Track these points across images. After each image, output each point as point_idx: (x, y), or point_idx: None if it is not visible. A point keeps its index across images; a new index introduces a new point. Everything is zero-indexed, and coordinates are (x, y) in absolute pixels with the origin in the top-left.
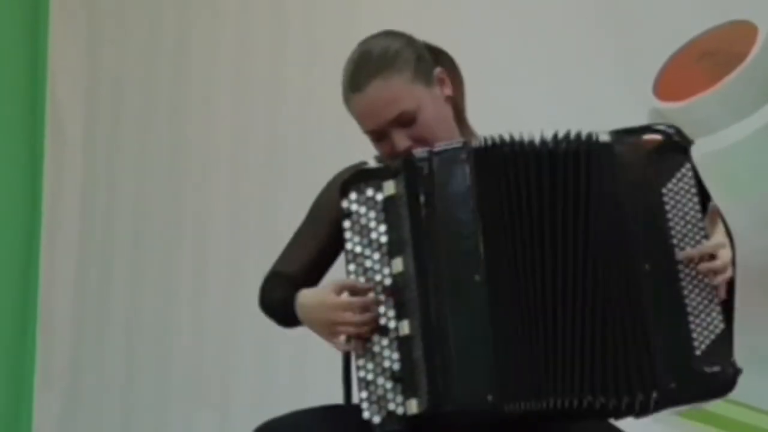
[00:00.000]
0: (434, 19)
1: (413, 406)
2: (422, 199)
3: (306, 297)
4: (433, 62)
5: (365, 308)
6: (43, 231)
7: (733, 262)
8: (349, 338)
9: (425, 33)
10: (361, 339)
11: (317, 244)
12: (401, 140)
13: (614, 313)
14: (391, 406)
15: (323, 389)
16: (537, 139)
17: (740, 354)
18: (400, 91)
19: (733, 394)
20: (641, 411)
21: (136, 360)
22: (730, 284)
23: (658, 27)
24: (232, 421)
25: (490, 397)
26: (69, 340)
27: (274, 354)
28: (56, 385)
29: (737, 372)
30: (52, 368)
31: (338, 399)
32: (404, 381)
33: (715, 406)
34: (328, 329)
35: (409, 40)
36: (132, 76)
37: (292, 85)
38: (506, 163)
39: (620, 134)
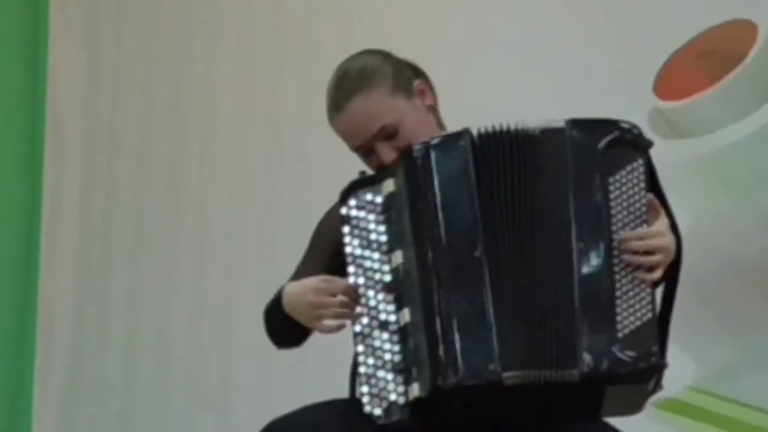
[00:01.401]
0: (434, 20)
1: (415, 390)
2: (421, 185)
3: (292, 285)
4: (413, 75)
5: (348, 291)
6: (43, 231)
7: (679, 255)
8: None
9: (425, 35)
10: (343, 317)
11: (318, 272)
12: (386, 153)
13: (553, 289)
14: (393, 397)
15: (322, 390)
16: (519, 127)
17: (741, 353)
18: (379, 105)
19: (734, 393)
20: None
21: (136, 362)
22: (671, 277)
23: (658, 26)
24: (232, 422)
25: (492, 366)
26: (68, 342)
27: (273, 355)
28: (55, 387)
29: (658, 364)
30: (52, 370)
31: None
32: (405, 370)
33: (714, 404)
34: (310, 310)
35: (386, 56)
36: (132, 76)
37: (292, 86)
38: (498, 149)
39: (577, 122)
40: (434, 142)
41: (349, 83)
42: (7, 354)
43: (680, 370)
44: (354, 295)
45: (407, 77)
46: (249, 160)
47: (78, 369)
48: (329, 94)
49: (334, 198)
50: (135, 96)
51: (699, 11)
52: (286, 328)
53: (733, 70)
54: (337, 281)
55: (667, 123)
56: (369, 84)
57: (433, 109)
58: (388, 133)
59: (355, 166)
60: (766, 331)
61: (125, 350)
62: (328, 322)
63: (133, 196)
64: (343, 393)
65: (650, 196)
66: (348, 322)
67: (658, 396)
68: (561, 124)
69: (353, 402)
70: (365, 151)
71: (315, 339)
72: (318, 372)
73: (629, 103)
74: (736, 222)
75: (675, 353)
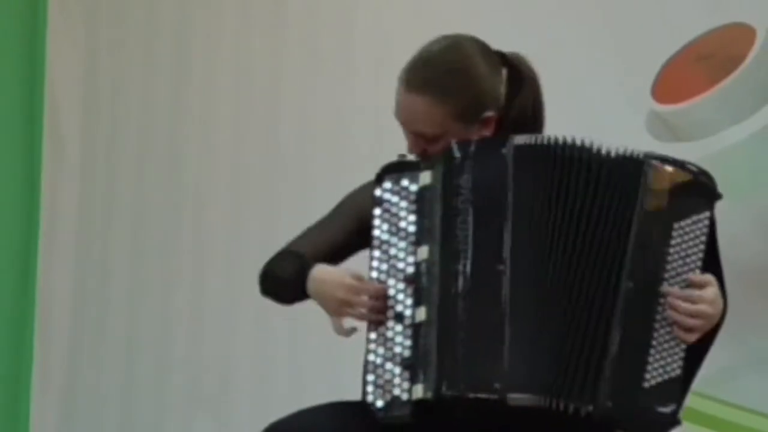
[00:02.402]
0: (434, 21)
1: (419, 391)
2: (456, 188)
3: (323, 271)
4: (504, 97)
5: (378, 296)
6: (41, 234)
7: (716, 327)
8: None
9: (424, 36)
10: (366, 320)
11: (335, 236)
12: (414, 146)
13: (587, 320)
14: (397, 391)
15: (321, 392)
16: (577, 144)
17: (739, 356)
18: (435, 117)
19: (732, 396)
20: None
21: (135, 362)
22: (707, 340)
23: (656, 29)
24: (231, 425)
25: (497, 385)
26: (67, 343)
27: (272, 357)
28: (54, 388)
29: (674, 422)
30: (51, 370)
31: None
32: (413, 367)
33: (713, 408)
34: (337, 306)
35: (491, 68)
36: (131, 79)
37: (291, 86)
38: (543, 162)
39: (656, 158)
40: (477, 144)
41: (435, 75)
42: (6, 354)
43: None
44: (383, 301)
45: (483, 105)
46: (249, 160)
47: (77, 370)
48: (417, 56)
49: (334, 198)
50: (134, 96)
51: (697, 14)
52: (293, 298)
53: (731, 73)
54: (368, 282)
55: (666, 126)
56: (443, 94)
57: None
58: (426, 139)
59: (356, 165)
60: (764, 334)
61: (125, 351)
62: (347, 322)
63: (132, 197)
64: (343, 395)
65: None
66: (357, 324)
67: None
68: (641, 155)
69: (351, 405)
70: (403, 126)
71: (314, 340)
72: (317, 374)
73: (629, 107)
74: (734, 224)
75: None
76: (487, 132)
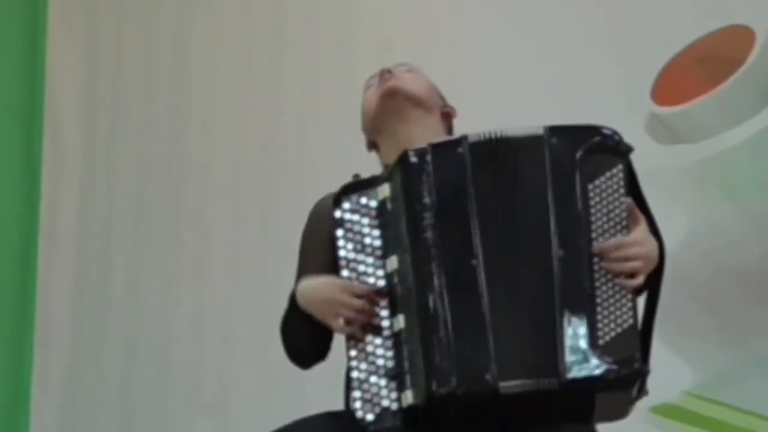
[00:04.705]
0: (434, 25)
1: (408, 397)
2: (418, 191)
3: (309, 281)
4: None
5: (367, 297)
6: (42, 234)
7: (662, 259)
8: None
9: (424, 38)
10: (359, 324)
11: (321, 270)
12: (390, 73)
13: (531, 296)
14: (385, 403)
15: (323, 395)
16: (511, 134)
17: (738, 358)
18: (416, 70)
19: (732, 398)
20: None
21: (136, 364)
22: (653, 283)
23: (656, 32)
24: (231, 426)
25: (488, 376)
26: (67, 345)
27: (272, 359)
28: (54, 389)
29: (641, 370)
30: (51, 371)
31: (337, 405)
32: (399, 376)
33: (712, 410)
34: (330, 307)
35: None
36: (131, 80)
37: (291, 87)
38: (496, 155)
39: (556, 129)
40: (431, 148)
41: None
42: (6, 355)
43: (677, 375)
44: (376, 302)
45: (445, 101)
46: (249, 161)
47: (77, 370)
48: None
49: None
50: (134, 97)
51: (697, 16)
52: (309, 330)
53: (731, 75)
54: (362, 285)
55: (666, 128)
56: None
57: (444, 118)
58: (404, 71)
59: (356, 165)
60: (763, 336)
61: (125, 351)
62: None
63: (132, 197)
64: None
65: (629, 200)
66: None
67: (655, 401)
68: (540, 131)
69: (351, 414)
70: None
71: None
72: (318, 376)
73: (629, 109)
74: (734, 227)
75: (672, 358)
76: (444, 125)
